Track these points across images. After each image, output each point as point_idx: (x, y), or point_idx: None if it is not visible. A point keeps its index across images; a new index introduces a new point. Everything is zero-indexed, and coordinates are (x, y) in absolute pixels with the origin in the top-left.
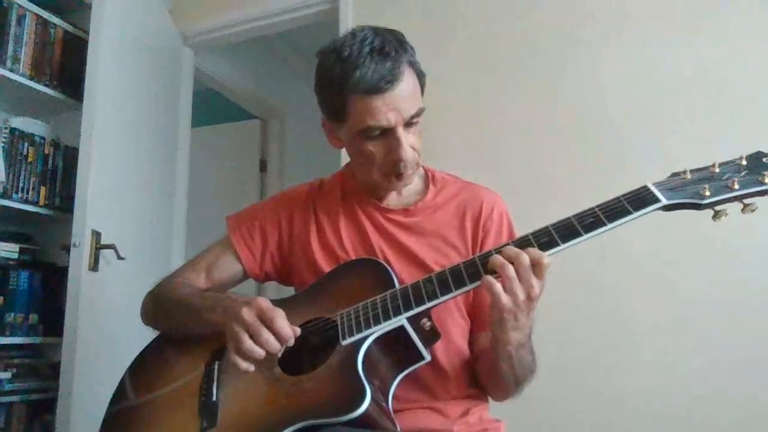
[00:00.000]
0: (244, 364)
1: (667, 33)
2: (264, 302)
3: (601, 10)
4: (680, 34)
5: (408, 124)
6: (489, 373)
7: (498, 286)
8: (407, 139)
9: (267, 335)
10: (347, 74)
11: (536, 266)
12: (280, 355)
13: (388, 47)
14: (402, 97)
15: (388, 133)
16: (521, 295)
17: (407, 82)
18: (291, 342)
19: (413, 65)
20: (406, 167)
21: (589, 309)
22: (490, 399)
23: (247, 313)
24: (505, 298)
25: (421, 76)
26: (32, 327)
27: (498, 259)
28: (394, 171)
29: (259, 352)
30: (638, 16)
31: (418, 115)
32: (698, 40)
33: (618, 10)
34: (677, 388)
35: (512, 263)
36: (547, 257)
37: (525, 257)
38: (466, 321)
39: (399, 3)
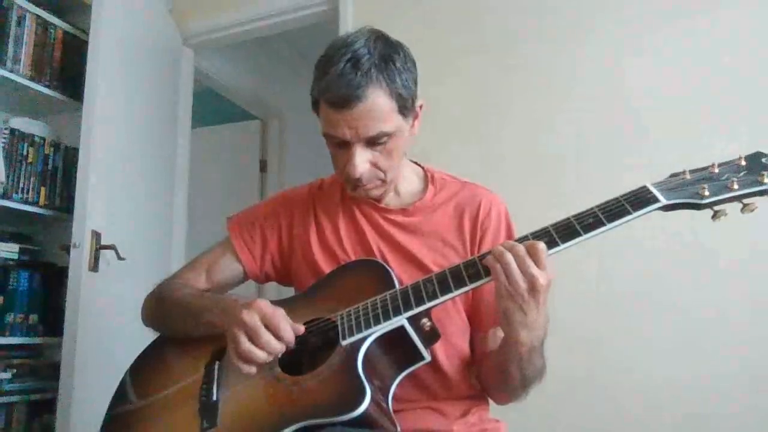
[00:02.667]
0: (246, 367)
1: (675, 35)
2: (265, 305)
3: (615, 8)
4: (688, 36)
5: (370, 142)
6: (497, 376)
7: (500, 268)
8: (362, 156)
9: (267, 338)
10: (320, 78)
11: (533, 253)
12: (280, 355)
13: (366, 63)
14: (360, 117)
15: (346, 145)
16: (522, 284)
17: (371, 105)
18: (292, 345)
19: (391, 85)
20: (360, 181)
21: (591, 310)
22: (490, 399)
23: (248, 316)
24: (506, 284)
25: (400, 99)
26: (32, 327)
27: (497, 248)
28: (348, 181)
29: (259, 355)
30: (653, 14)
31: (379, 138)
32: (701, 45)
33: (629, 11)
34: (679, 390)
35: (510, 252)
36: (542, 243)
37: (521, 247)
38: (466, 322)
39: (399, 3)
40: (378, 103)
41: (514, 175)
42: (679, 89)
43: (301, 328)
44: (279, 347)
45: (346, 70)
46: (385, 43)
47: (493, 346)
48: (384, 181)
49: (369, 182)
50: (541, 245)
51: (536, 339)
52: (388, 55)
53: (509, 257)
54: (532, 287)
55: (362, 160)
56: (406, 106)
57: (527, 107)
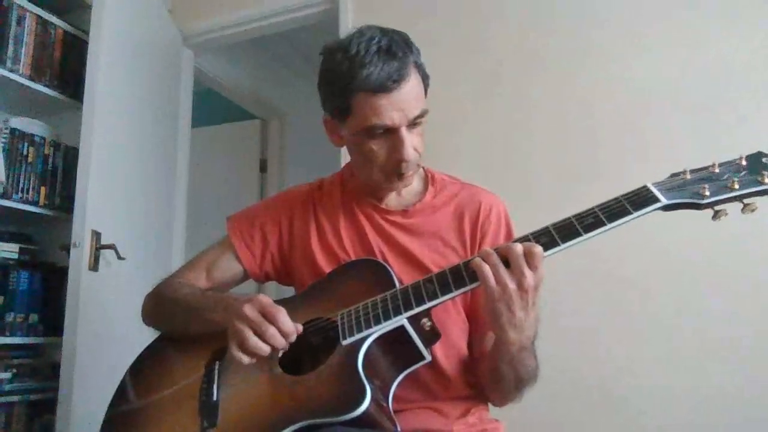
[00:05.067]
0: (246, 359)
1: (672, 39)
2: (265, 299)
3: (610, 15)
4: (684, 40)
5: (411, 124)
6: (491, 376)
7: (486, 267)
8: (410, 140)
9: (272, 330)
10: (354, 72)
11: (528, 255)
12: (280, 354)
13: (396, 47)
14: (407, 97)
15: (391, 133)
16: (511, 284)
17: (413, 83)
18: (293, 338)
19: (419, 67)
20: (407, 167)
21: (592, 311)
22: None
23: (250, 310)
24: (493, 283)
25: (425, 78)
26: (32, 327)
27: (485, 249)
28: (395, 171)
29: (264, 348)
30: (645, 21)
31: (421, 116)
32: (701, 46)
33: (626, 17)
34: (680, 391)
35: (506, 255)
36: (539, 246)
37: (518, 246)
38: (466, 322)
39: (399, 3)
40: (417, 82)
41: (519, 175)
42: (679, 89)
43: (300, 327)
44: (283, 341)
45: (383, 57)
46: (395, 31)
47: (490, 346)
48: (418, 166)
49: (412, 168)
50: (539, 248)
51: (526, 339)
52: (406, 41)
53: (494, 257)
54: (520, 286)
55: (410, 144)
56: (427, 86)
57: (531, 108)
